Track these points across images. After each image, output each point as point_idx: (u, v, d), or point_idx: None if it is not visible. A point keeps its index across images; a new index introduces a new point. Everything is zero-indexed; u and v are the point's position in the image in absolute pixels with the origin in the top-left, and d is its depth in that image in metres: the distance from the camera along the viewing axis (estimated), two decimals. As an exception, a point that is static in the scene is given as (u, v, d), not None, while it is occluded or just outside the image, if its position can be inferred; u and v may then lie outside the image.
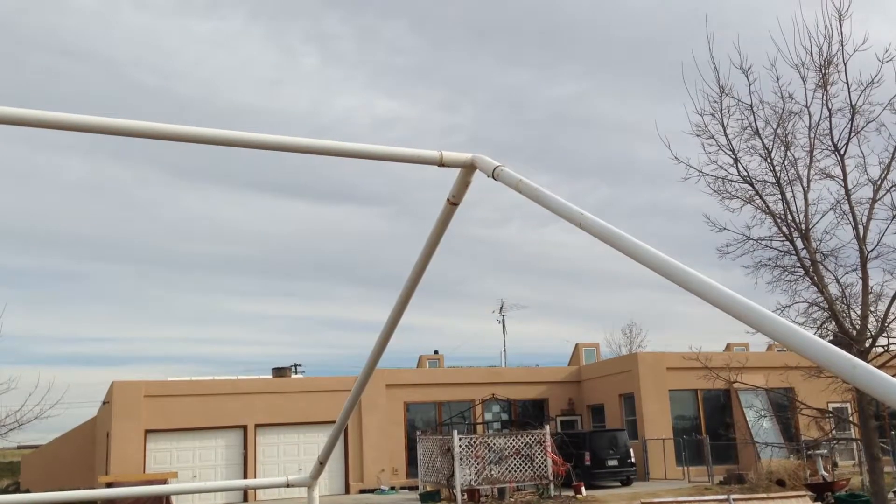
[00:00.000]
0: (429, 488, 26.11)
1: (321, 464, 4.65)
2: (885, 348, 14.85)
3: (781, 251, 15.69)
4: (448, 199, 3.24)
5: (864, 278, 14.86)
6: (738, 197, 15.82)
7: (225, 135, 2.81)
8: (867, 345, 14.39)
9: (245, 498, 29.42)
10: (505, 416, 34.40)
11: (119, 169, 64.50)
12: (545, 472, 25.37)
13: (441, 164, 3.02)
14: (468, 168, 3.06)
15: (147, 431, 29.23)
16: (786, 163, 15.46)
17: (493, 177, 2.88)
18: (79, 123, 2.57)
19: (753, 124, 15.50)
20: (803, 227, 15.25)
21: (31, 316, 69.15)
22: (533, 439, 25.65)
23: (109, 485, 24.64)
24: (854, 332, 14.59)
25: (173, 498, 27.40)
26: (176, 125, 2.73)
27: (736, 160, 15.66)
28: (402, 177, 72.73)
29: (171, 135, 2.72)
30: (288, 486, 4.89)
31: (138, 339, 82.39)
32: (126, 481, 24.98)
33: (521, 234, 71.61)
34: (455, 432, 25.32)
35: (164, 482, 25.25)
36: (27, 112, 2.49)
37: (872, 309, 14.92)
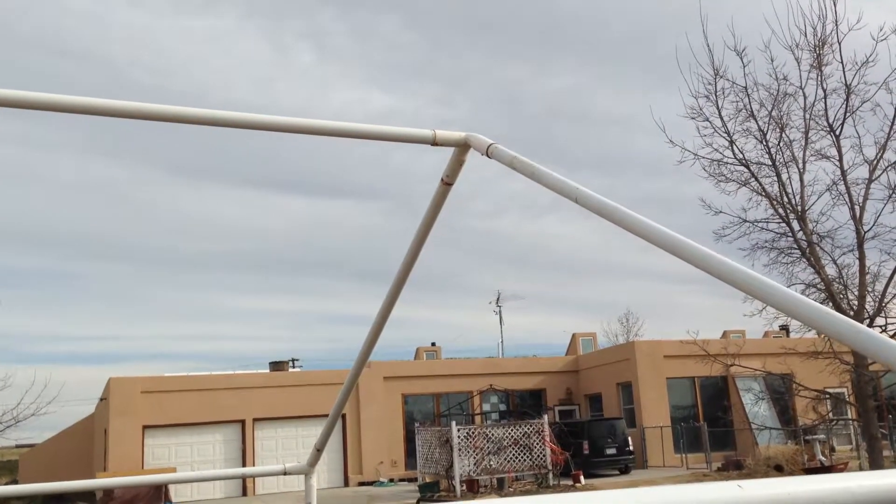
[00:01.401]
0: (428, 480, 26.12)
1: (318, 451, 4.60)
2: (883, 328, 14.85)
3: (778, 233, 15.70)
4: (442, 180, 3.19)
5: (861, 259, 14.86)
6: (733, 180, 15.82)
7: (228, 116, 2.75)
8: (865, 325, 14.39)
9: (244, 492, 29.42)
10: (503, 407, 34.42)
11: (114, 167, 64.38)
12: (544, 461, 25.39)
13: (434, 142, 2.97)
14: (462, 147, 3.02)
15: (145, 427, 29.18)
16: (781, 144, 15.46)
17: (488, 155, 2.83)
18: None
19: (748, 106, 15.49)
20: (799, 208, 15.25)
21: (27, 315, 69.11)
22: (531, 429, 25.66)
23: (108, 481, 24.60)
24: (851, 313, 14.59)
25: (172, 492, 27.41)
26: (172, 106, 2.67)
27: (731, 143, 15.65)
28: (399, 172, 72.66)
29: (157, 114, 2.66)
30: (285, 473, 4.83)
31: (135, 337, 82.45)
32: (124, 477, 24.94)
33: (518, 226, 71.66)
34: (453, 423, 25.33)
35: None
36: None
37: (870, 289, 14.93)
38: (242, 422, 30.45)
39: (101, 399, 32.18)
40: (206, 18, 63.55)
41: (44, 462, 33.70)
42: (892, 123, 14.71)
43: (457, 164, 3.11)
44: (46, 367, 49.68)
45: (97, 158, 65.42)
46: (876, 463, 14.74)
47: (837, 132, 15.00)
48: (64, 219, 66.94)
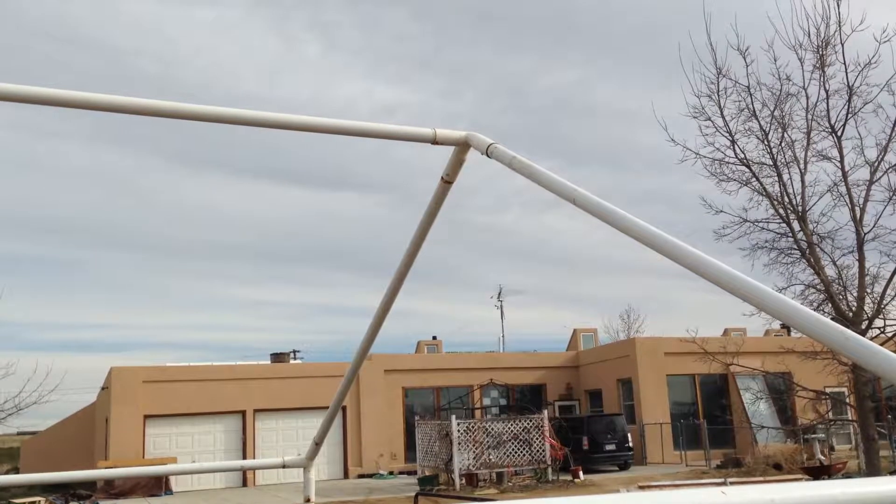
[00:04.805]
0: (427, 473, 26.16)
1: (317, 444, 4.65)
2: (882, 330, 14.85)
3: (778, 233, 15.69)
4: (442, 178, 3.22)
5: (861, 260, 14.86)
6: (734, 179, 15.82)
7: (230, 113, 2.79)
8: (863, 327, 14.39)
9: (244, 482, 29.50)
10: (503, 401, 34.43)
11: (119, 156, 64.37)
12: (543, 456, 25.42)
13: (435, 141, 3.00)
14: (462, 146, 3.05)
15: (146, 417, 29.25)
16: (783, 145, 15.45)
17: (487, 154, 2.86)
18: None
19: (751, 106, 15.47)
20: (800, 209, 15.25)
21: (30, 302, 69.24)
22: (531, 424, 25.69)
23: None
24: (850, 314, 14.60)
25: (172, 482, 27.50)
26: (179, 102, 2.70)
27: (733, 142, 15.65)
28: (401, 164, 72.69)
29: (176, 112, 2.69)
30: (284, 466, 4.89)
31: (137, 326, 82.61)
32: (125, 466, 25.04)
33: (520, 221, 71.63)
34: (453, 417, 25.35)
35: (163, 467, 25.26)
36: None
37: (869, 291, 14.93)
38: (243, 412, 30.51)
39: (103, 388, 32.26)
40: (213, 8, 63.51)
41: (45, 449, 33.80)
42: (894, 125, 14.71)
43: (457, 163, 3.14)
44: (49, 356, 49.91)
45: (101, 147, 65.49)
46: (872, 464, 14.75)
47: (839, 133, 15.00)
48: (67, 206, 67.05)
